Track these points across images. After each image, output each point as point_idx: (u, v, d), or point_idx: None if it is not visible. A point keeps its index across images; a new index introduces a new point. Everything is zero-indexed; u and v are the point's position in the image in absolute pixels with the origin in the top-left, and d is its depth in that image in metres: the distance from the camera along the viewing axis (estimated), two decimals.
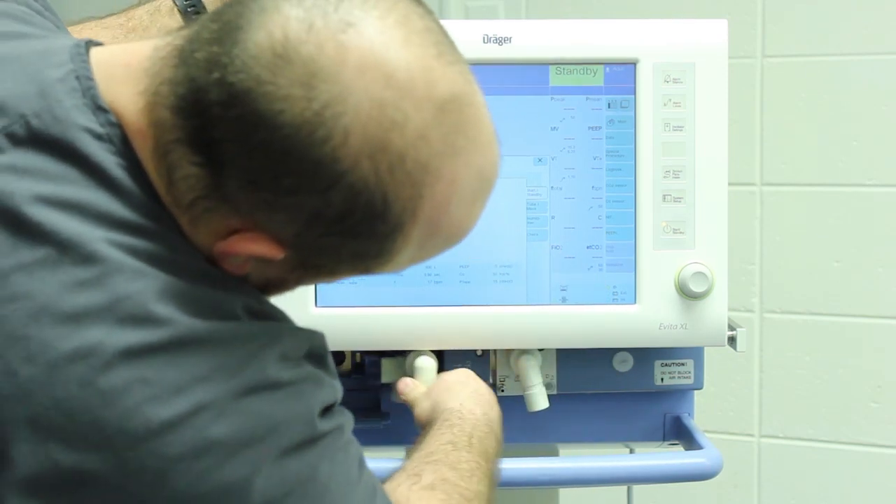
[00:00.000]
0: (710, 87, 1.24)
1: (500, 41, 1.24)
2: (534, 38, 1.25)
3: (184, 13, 1.06)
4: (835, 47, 2.17)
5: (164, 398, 0.68)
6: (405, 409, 1.17)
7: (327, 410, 0.77)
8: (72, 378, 0.68)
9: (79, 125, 0.73)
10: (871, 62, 2.15)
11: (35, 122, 0.73)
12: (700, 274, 1.23)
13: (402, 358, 1.28)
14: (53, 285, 0.69)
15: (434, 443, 0.97)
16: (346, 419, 0.80)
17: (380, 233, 0.75)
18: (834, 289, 2.20)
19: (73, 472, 0.68)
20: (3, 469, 0.68)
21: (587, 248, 1.25)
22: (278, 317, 0.79)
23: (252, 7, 0.73)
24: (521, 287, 1.25)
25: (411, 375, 1.24)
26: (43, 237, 0.70)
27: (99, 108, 0.74)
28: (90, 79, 0.75)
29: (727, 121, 1.25)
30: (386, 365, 1.29)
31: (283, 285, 0.82)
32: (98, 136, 0.73)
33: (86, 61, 0.76)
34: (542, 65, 1.24)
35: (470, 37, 1.24)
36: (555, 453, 1.39)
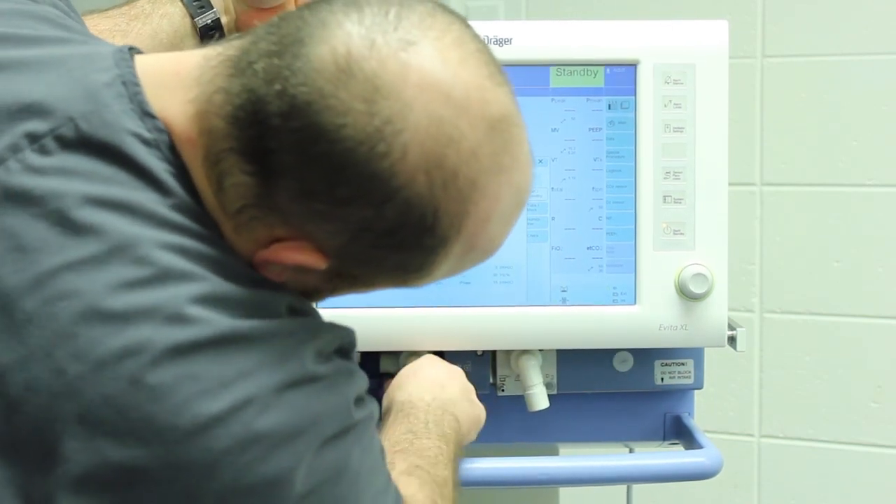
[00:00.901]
0: (710, 88, 1.24)
1: (500, 42, 1.24)
2: (534, 39, 1.25)
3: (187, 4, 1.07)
4: (835, 47, 2.17)
5: (211, 393, 0.69)
6: None
7: (359, 400, 0.79)
8: (121, 375, 0.68)
9: (127, 129, 0.74)
10: (871, 62, 2.15)
11: (84, 126, 0.74)
12: (700, 275, 1.23)
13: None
14: (101, 284, 0.70)
15: (393, 434, 1.01)
16: (374, 406, 0.82)
17: (426, 246, 0.77)
18: (834, 289, 2.20)
19: (122, 468, 0.69)
20: (53, 467, 0.69)
21: (587, 248, 1.25)
22: (314, 314, 0.81)
23: (311, 21, 0.74)
24: (521, 288, 1.25)
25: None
26: (91, 236, 0.71)
27: (146, 114, 0.75)
28: (137, 84, 0.76)
29: (727, 122, 1.25)
30: (384, 361, 1.30)
31: (317, 294, 0.84)
32: (145, 142, 0.74)
33: (131, 67, 0.78)
34: (543, 66, 1.25)
35: None
36: (555, 453, 1.39)
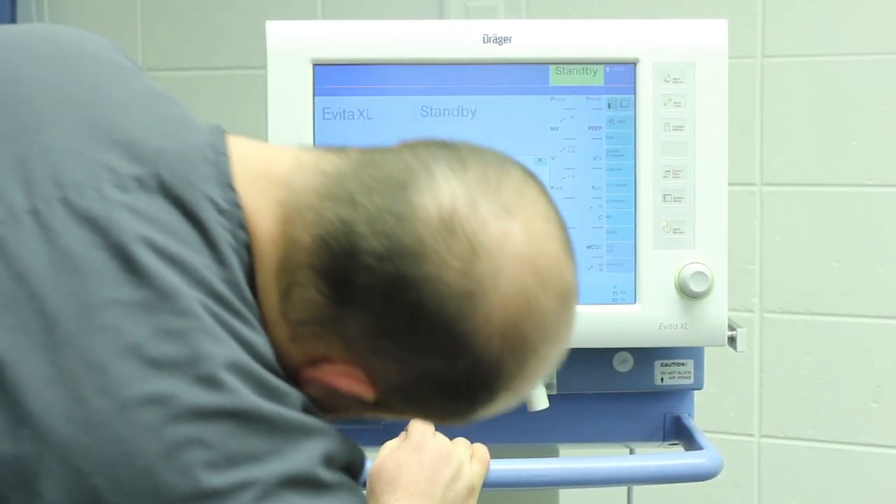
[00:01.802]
0: (710, 87, 1.24)
1: (500, 41, 1.24)
2: (534, 38, 1.25)
3: None
4: (835, 47, 2.16)
5: (218, 466, 0.69)
6: None
7: None
8: (139, 421, 0.68)
9: (205, 193, 0.75)
10: (871, 62, 2.15)
11: (167, 177, 0.75)
12: (700, 274, 1.23)
13: None
14: (146, 328, 0.70)
15: None
16: None
17: (479, 400, 0.79)
18: (834, 289, 2.20)
19: None
20: (32, 499, 0.68)
21: (587, 247, 1.25)
22: (327, 424, 0.80)
23: (416, 167, 0.76)
24: None
25: None
26: (145, 279, 0.71)
27: (227, 186, 0.76)
28: (225, 156, 0.77)
29: (727, 121, 1.25)
30: None
31: (342, 413, 0.83)
32: (219, 210, 0.75)
33: (223, 140, 0.79)
34: (542, 64, 1.24)
35: (470, 37, 1.24)
36: (555, 453, 1.39)
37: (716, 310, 1.24)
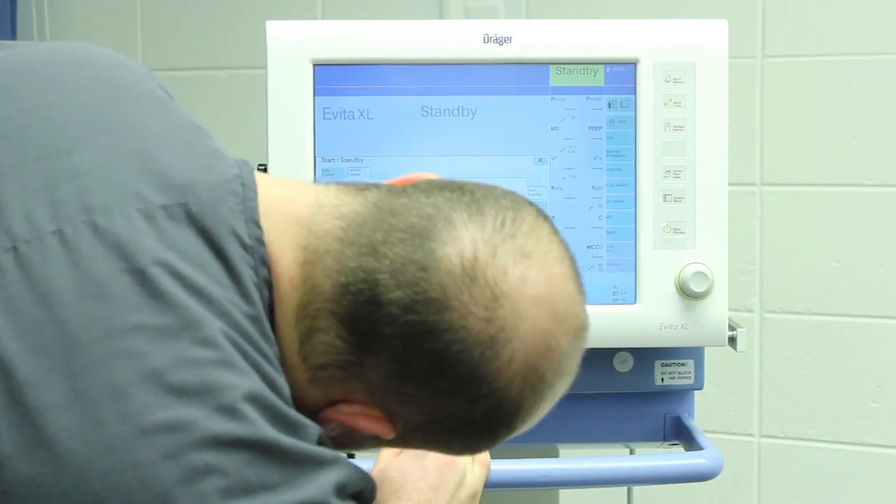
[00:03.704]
0: (710, 87, 1.24)
1: (500, 41, 1.24)
2: (534, 38, 1.25)
3: None
4: (835, 47, 2.16)
5: (234, 494, 0.69)
6: None
7: None
8: (158, 447, 0.68)
9: (231, 228, 0.76)
10: (871, 62, 2.15)
11: (195, 208, 0.75)
12: (700, 274, 1.23)
13: None
14: (169, 356, 0.70)
15: None
16: None
17: (498, 436, 0.81)
18: (834, 289, 2.20)
19: None
20: None
21: (587, 247, 1.25)
22: (341, 455, 0.81)
23: (435, 215, 0.77)
24: None
25: None
26: (171, 308, 0.71)
27: (253, 223, 0.77)
28: (254, 192, 0.78)
29: (727, 121, 1.25)
30: None
31: (357, 447, 0.84)
32: (243, 245, 0.76)
33: (251, 175, 0.79)
34: (543, 64, 1.24)
35: (470, 37, 1.24)
36: (555, 453, 1.39)
37: (716, 310, 1.24)
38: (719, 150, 1.24)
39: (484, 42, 1.24)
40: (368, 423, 0.79)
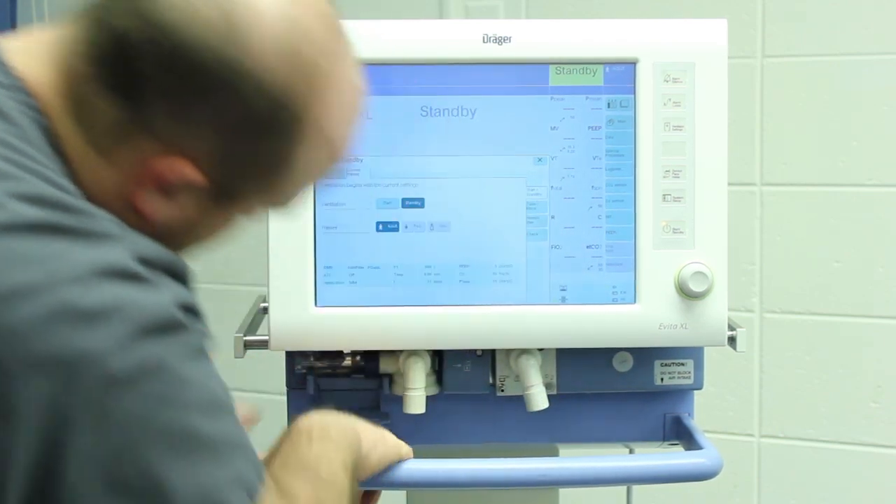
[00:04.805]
0: (709, 87, 1.24)
1: (499, 41, 1.24)
2: (534, 38, 1.25)
3: None
4: (835, 47, 2.17)
5: (23, 266, 0.72)
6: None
7: (187, 309, 0.80)
8: None
9: None
10: (871, 62, 2.15)
11: None
12: (700, 273, 1.23)
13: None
14: None
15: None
16: (207, 330, 0.83)
17: (294, 137, 0.84)
18: (834, 289, 2.20)
19: None
20: None
21: (587, 247, 1.25)
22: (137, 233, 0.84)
23: None
24: (520, 287, 1.25)
25: (404, 373, 1.26)
26: None
27: (2, 64, 0.82)
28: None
29: (727, 121, 1.25)
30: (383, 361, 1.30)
31: (191, 232, 0.87)
32: (3, 87, 0.80)
33: None
34: (542, 64, 1.24)
35: (470, 37, 1.24)
36: (555, 453, 1.39)
37: (716, 310, 1.24)
38: (719, 150, 1.24)
39: (484, 42, 1.24)
40: (175, 172, 0.82)
